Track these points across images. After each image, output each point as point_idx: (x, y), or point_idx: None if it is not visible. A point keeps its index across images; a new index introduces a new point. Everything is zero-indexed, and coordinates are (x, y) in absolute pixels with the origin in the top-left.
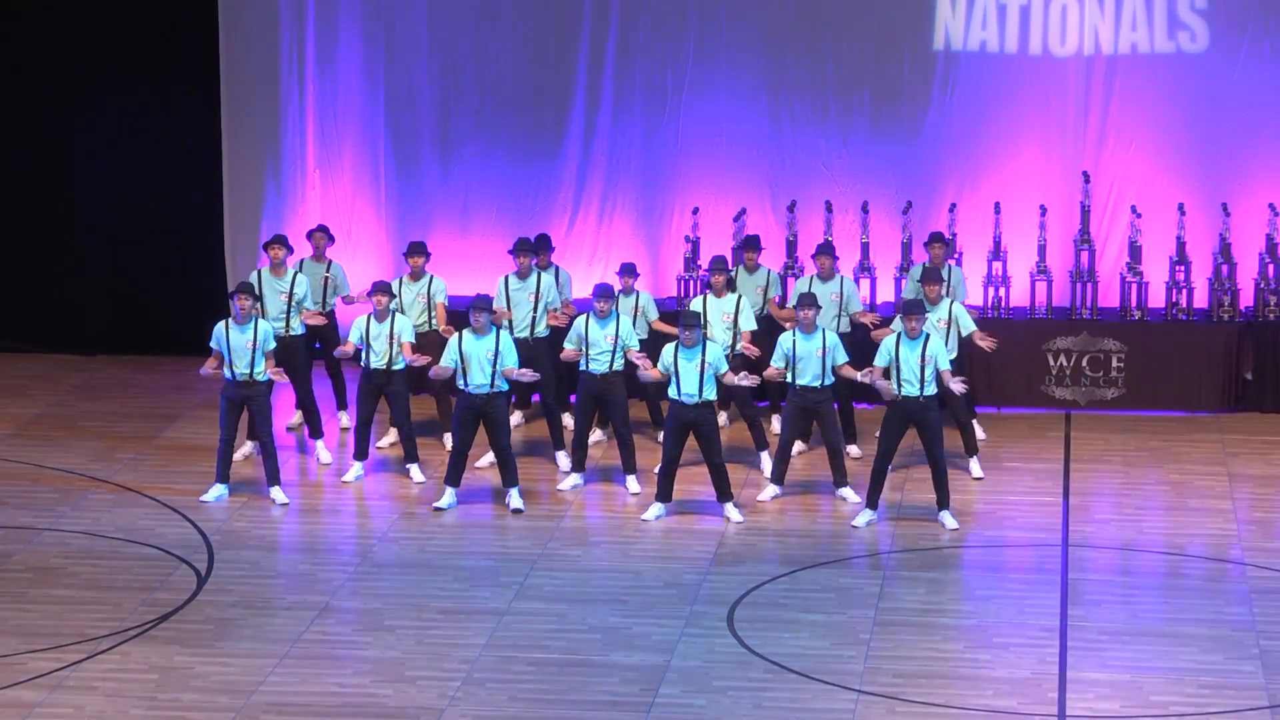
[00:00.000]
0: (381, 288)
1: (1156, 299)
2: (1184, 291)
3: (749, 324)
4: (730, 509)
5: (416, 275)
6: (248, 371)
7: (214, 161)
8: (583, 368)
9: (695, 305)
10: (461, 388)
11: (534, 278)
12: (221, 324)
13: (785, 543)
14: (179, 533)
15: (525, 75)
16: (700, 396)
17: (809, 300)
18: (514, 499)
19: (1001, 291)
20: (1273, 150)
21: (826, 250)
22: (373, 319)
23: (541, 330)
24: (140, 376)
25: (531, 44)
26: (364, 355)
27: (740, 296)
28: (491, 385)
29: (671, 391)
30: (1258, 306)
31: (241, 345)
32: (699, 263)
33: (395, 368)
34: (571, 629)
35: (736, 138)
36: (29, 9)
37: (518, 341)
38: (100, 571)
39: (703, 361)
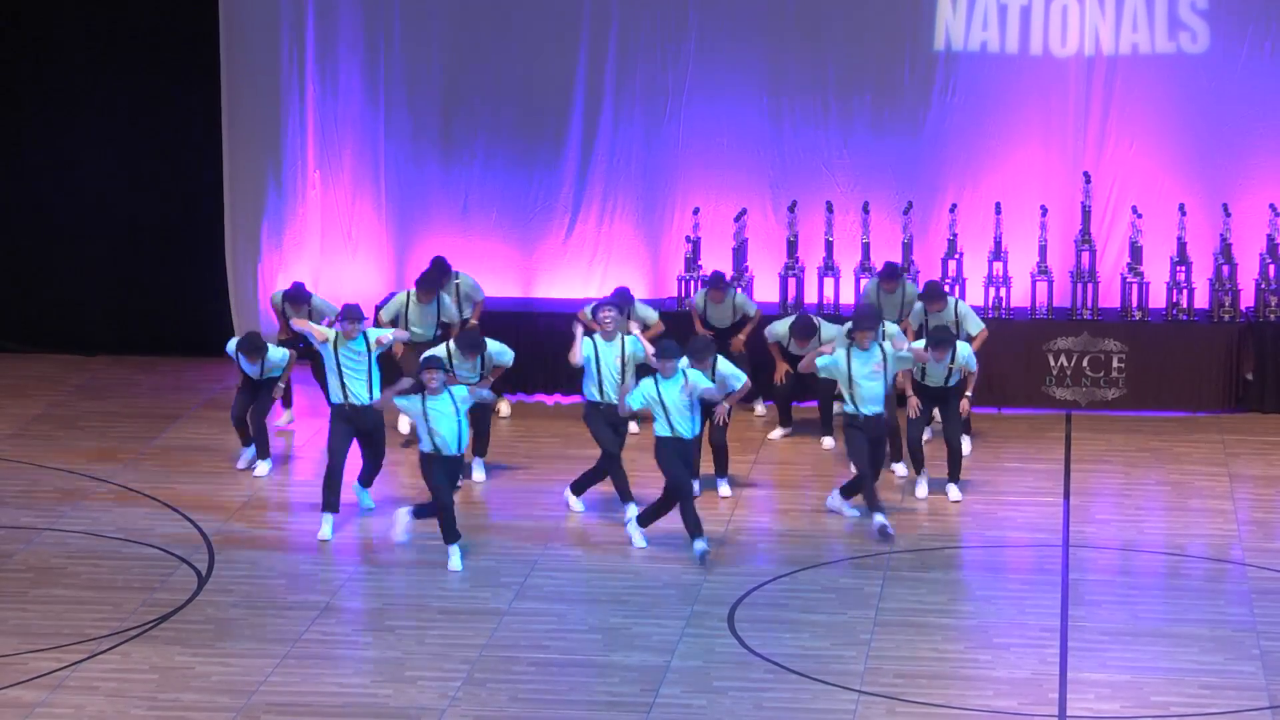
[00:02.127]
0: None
1: (1157, 299)
2: (1185, 292)
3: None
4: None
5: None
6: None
7: (214, 162)
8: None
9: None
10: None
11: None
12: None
13: (785, 543)
14: (179, 532)
15: (525, 75)
16: (693, 432)
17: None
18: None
19: (1002, 292)
20: (1273, 151)
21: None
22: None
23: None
24: (141, 377)
25: (532, 44)
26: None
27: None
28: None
29: (660, 428)
30: (1258, 307)
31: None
32: (699, 263)
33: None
34: (572, 629)
35: (737, 138)
36: (29, 9)
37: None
38: (101, 571)
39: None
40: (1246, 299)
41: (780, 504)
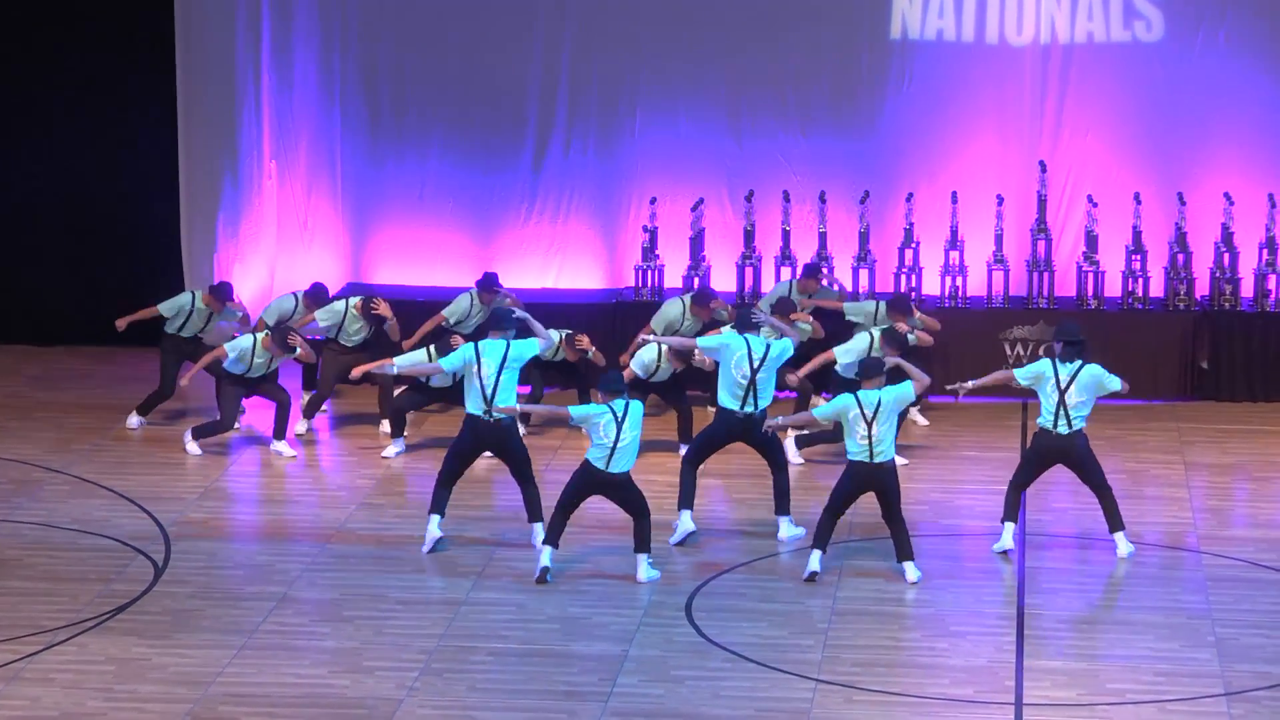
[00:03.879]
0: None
1: (1113, 288)
2: (1140, 280)
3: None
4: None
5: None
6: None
7: (170, 154)
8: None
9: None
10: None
11: None
12: None
13: (743, 533)
14: (135, 524)
15: (482, 69)
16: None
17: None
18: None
19: (959, 281)
20: (1228, 140)
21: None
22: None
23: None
24: (97, 368)
25: (488, 37)
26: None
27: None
28: None
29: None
30: (1213, 295)
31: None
32: (656, 252)
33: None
34: (530, 619)
35: (694, 128)
36: None
37: None
38: (57, 563)
39: None
40: (1202, 287)
41: (738, 494)
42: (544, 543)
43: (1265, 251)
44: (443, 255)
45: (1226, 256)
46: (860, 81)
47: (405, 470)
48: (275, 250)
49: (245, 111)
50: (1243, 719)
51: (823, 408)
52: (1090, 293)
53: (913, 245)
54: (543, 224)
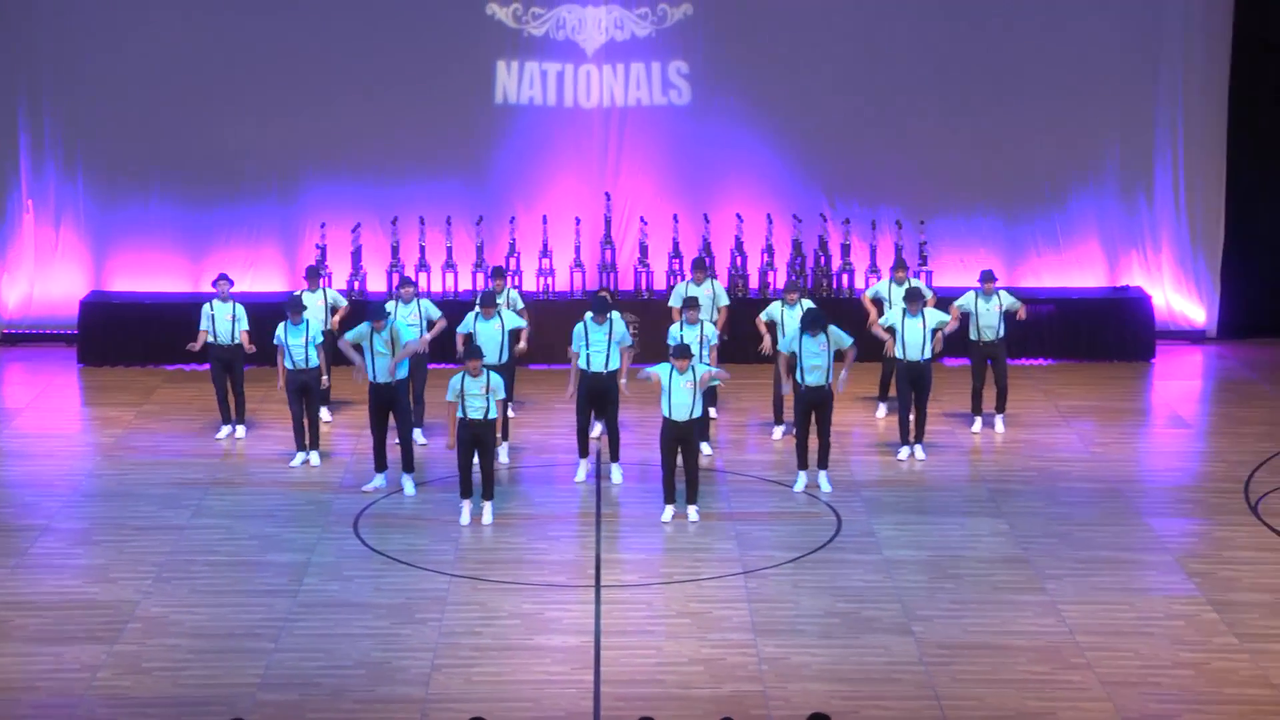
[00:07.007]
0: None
1: (660, 283)
2: (679, 277)
3: (724, 300)
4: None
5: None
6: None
7: None
8: (583, 366)
9: (680, 291)
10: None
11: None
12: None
13: (395, 466)
14: None
15: (192, 123)
16: (607, 367)
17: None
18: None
19: (549, 280)
20: (738, 175)
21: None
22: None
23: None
24: None
25: (200, 109)
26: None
27: (715, 280)
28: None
29: (583, 362)
30: (731, 288)
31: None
32: (326, 262)
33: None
34: (237, 538)
35: (353, 175)
36: None
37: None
38: None
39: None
40: (723, 281)
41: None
42: None
43: (765, 255)
44: (164, 269)
45: (739, 259)
46: (474, 135)
47: (137, 430)
48: (34, 267)
49: (6, 163)
50: (756, 589)
51: None
52: (644, 287)
53: (515, 254)
54: (239, 244)
